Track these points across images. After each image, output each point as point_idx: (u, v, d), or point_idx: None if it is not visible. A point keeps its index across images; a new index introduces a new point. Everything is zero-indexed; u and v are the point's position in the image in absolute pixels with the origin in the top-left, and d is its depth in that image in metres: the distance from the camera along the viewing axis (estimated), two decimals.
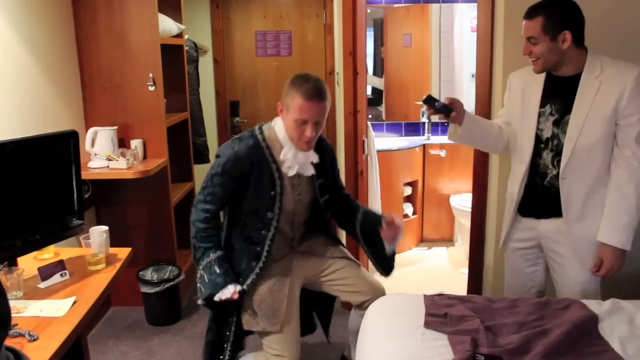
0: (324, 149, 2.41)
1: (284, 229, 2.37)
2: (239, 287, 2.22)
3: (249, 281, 2.28)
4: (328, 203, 2.47)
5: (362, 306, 2.43)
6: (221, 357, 2.40)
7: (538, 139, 2.24)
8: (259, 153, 2.24)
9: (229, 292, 2.18)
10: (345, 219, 2.54)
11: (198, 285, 2.29)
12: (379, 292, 2.45)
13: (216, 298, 2.19)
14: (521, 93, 2.30)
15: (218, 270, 2.22)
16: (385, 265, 2.47)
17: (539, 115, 2.23)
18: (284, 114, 2.20)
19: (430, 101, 2.23)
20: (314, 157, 2.29)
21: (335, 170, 2.52)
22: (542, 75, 2.22)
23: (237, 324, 2.35)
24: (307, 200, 2.39)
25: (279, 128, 2.26)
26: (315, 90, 2.11)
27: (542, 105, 2.22)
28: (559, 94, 2.18)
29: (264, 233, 2.30)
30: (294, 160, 2.24)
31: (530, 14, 2.09)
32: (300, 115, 2.13)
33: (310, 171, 2.30)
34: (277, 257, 2.40)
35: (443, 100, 2.27)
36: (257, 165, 2.23)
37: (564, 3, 2.08)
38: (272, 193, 2.25)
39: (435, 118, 4.83)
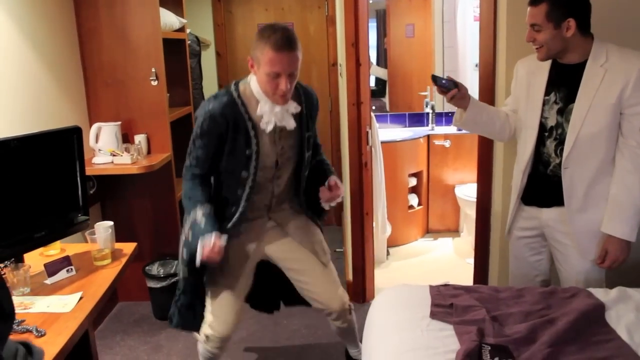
0: (309, 99, 2.31)
1: (264, 185, 2.29)
2: (223, 239, 2.11)
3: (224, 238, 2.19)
4: (309, 159, 2.37)
5: (326, 313, 2.44)
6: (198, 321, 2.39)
7: (542, 127, 2.22)
8: (234, 110, 2.15)
9: (210, 240, 2.08)
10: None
11: (180, 248, 2.29)
12: (336, 306, 2.40)
13: (200, 248, 2.09)
14: (527, 81, 2.28)
15: (204, 225, 2.14)
16: (316, 213, 2.46)
17: (544, 104, 2.21)
18: (255, 68, 2.10)
19: (436, 79, 2.25)
20: (293, 108, 2.18)
21: (315, 121, 2.38)
22: (548, 63, 2.20)
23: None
24: (293, 155, 2.30)
25: (253, 83, 2.17)
26: (284, 40, 1.99)
27: (547, 93, 2.20)
28: (564, 82, 2.16)
29: (239, 193, 2.24)
30: (271, 114, 2.14)
31: (535, 0, 2.07)
32: (272, 69, 2.02)
33: (290, 122, 2.18)
34: (252, 217, 2.35)
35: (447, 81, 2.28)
36: (233, 123, 2.15)
37: None
38: (248, 152, 2.17)
39: (439, 108, 4.82)
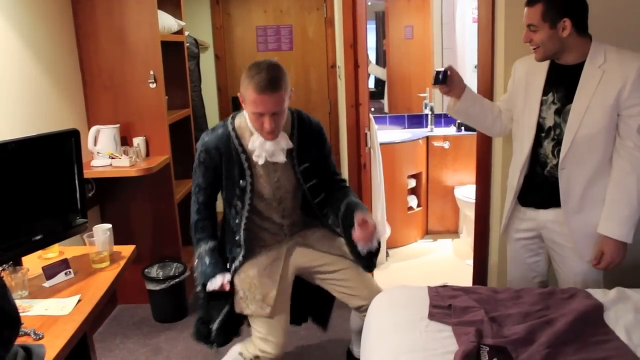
0: (307, 131, 2.32)
1: (269, 216, 2.34)
2: (227, 277, 2.24)
3: (233, 267, 2.31)
4: (317, 188, 2.38)
5: (361, 309, 2.38)
6: (210, 338, 2.40)
7: (540, 127, 2.22)
8: (227, 143, 2.22)
9: (217, 282, 2.21)
10: (330, 208, 2.44)
11: (195, 273, 2.33)
12: (374, 290, 2.38)
13: (207, 288, 2.23)
14: (525, 80, 2.28)
15: (208, 261, 2.26)
16: (364, 263, 2.35)
17: (541, 104, 2.21)
18: (244, 104, 2.15)
19: (437, 75, 2.29)
20: (285, 144, 2.22)
21: (324, 152, 2.40)
22: (546, 63, 2.20)
23: (230, 307, 2.33)
24: (290, 187, 2.32)
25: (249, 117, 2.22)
26: (267, 82, 2.02)
27: (545, 93, 2.20)
28: (562, 82, 2.16)
29: (237, 222, 2.30)
30: (262, 149, 2.19)
31: (531, 1, 2.07)
32: (255, 109, 2.07)
33: (280, 158, 2.22)
34: (270, 243, 2.39)
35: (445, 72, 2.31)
36: (226, 156, 2.22)
37: None
38: (242, 183, 2.24)
39: (438, 109, 4.83)
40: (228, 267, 2.32)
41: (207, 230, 2.33)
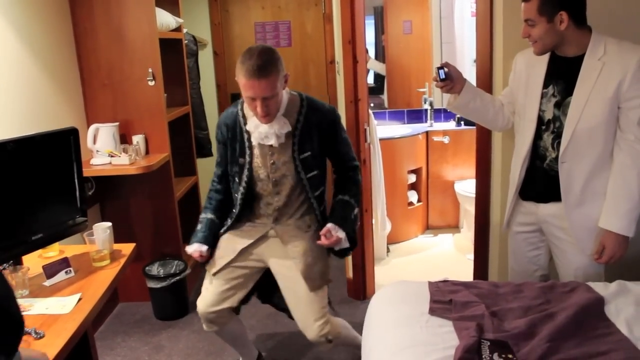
0: (315, 120, 2.33)
1: (264, 197, 2.41)
2: (203, 249, 2.40)
3: (220, 231, 2.49)
4: (317, 180, 2.39)
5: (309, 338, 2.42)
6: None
7: (540, 120, 2.22)
8: (234, 121, 2.37)
9: (191, 249, 2.41)
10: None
11: None
12: (311, 335, 2.37)
13: (186, 250, 2.45)
14: (526, 73, 2.28)
15: (198, 229, 2.46)
16: (337, 254, 2.44)
17: (542, 96, 2.20)
18: (241, 89, 2.21)
19: (438, 72, 2.29)
20: (278, 128, 2.25)
21: (337, 143, 2.41)
22: (547, 56, 2.19)
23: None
24: (288, 172, 2.34)
25: None
26: (255, 68, 2.06)
27: (545, 86, 2.20)
28: (562, 75, 2.15)
29: (235, 196, 2.44)
30: (256, 130, 2.28)
31: None
32: (246, 93, 2.14)
33: (272, 140, 2.26)
34: (257, 223, 2.48)
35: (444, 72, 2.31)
36: (232, 132, 2.37)
37: None
38: (241, 161, 2.36)
39: (438, 104, 4.82)
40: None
41: (213, 203, 2.51)
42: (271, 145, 2.29)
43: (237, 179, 2.40)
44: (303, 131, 2.31)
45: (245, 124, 2.32)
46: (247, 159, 2.34)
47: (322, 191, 2.44)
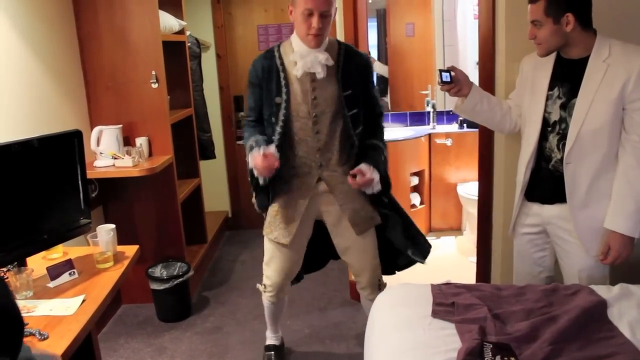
0: (354, 61, 2.44)
1: (304, 138, 2.42)
2: (271, 149, 2.28)
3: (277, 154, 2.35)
4: (357, 118, 2.44)
5: (363, 290, 2.65)
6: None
7: (545, 122, 2.23)
8: (270, 60, 2.41)
9: (255, 154, 2.27)
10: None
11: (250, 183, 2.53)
12: (364, 278, 2.59)
13: (250, 165, 2.35)
14: (531, 75, 2.29)
15: (252, 145, 2.36)
16: (374, 201, 2.51)
17: (547, 98, 2.21)
18: (293, 13, 2.31)
19: (441, 75, 2.31)
20: (324, 59, 2.32)
21: (370, 86, 2.52)
22: (552, 58, 2.21)
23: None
24: (328, 109, 2.39)
25: (293, 37, 2.40)
26: None
27: (551, 88, 2.21)
28: (567, 77, 2.17)
29: (273, 138, 2.41)
30: (301, 59, 2.32)
31: None
32: (305, 5, 2.22)
33: (318, 70, 2.32)
34: (302, 172, 2.47)
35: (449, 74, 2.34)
36: (267, 72, 2.40)
37: None
38: (277, 100, 2.38)
39: (441, 107, 4.83)
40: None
41: (255, 132, 2.46)
42: (313, 80, 2.35)
43: (273, 119, 2.40)
44: (344, 70, 2.40)
45: (282, 63, 2.38)
46: (284, 97, 2.36)
47: (361, 130, 2.47)
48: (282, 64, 2.38)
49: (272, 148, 2.28)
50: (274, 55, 2.41)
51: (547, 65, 2.22)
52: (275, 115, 2.39)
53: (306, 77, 2.35)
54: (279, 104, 2.37)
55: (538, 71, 2.26)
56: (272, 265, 2.61)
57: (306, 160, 2.44)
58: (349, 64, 2.41)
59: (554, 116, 2.20)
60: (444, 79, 2.29)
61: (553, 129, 2.21)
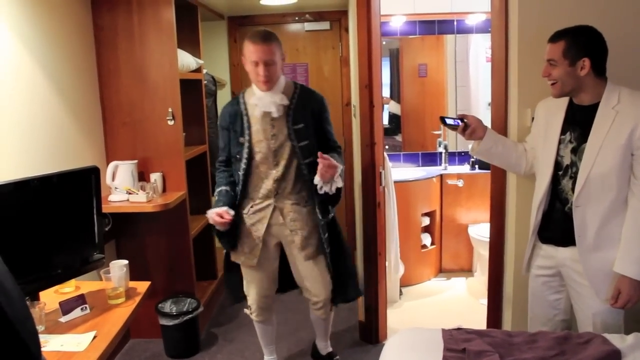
0: (307, 98, 2.74)
1: (265, 171, 2.72)
2: (224, 209, 2.64)
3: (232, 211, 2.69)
4: (308, 149, 2.68)
5: (314, 305, 2.91)
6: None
7: (558, 165, 2.27)
8: (237, 105, 2.74)
9: (213, 212, 2.62)
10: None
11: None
12: (322, 297, 2.86)
13: (208, 217, 2.66)
14: (545, 120, 2.34)
15: (217, 198, 2.76)
16: (320, 208, 2.75)
17: (560, 142, 2.26)
18: (245, 64, 2.63)
19: (444, 120, 2.48)
20: (279, 99, 2.63)
21: (323, 121, 2.78)
22: (565, 103, 2.26)
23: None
24: (288, 143, 2.67)
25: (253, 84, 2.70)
26: (261, 35, 2.54)
27: (563, 132, 2.26)
28: (578, 122, 2.21)
29: (239, 173, 2.74)
30: (259, 100, 2.63)
31: (554, 37, 2.15)
32: (251, 58, 2.55)
33: (272, 108, 2.61)
34: (260, 201, 2.77)
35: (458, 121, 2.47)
36: (234, 117, 2.73)
37: (588, 32, 2.12)
38: (241, 139, 2.70)
39: (452, 147, 4.85)
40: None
41: (223, 179, 2.81)
42: (273, 119, 2.64)
43: (238, 156, 2.72)
44: (297, 107, 2.69)
45: (245, 108, 2.69)
46: (247, 137, 2.68)
47: (311, 161, 2.67)
48: (246, 108, 2.71)
49: (229, 210, 2.65)
50: (240, 102, 2.74)
51: (560, 110, 2.27)
52: (239, 153, 2.71)
53: (266, 116, 2.65)
54: (242, 143, 2.69)
55: (551, 116, 2.31)
56: (251, 288, 2.92)
57: (264, 191, 2.75)
58: (302, 101, 2.71)
59: (566, 160, 2.23)
60: (449, 123, 2.44)
61: (565, 173, 2.24)
